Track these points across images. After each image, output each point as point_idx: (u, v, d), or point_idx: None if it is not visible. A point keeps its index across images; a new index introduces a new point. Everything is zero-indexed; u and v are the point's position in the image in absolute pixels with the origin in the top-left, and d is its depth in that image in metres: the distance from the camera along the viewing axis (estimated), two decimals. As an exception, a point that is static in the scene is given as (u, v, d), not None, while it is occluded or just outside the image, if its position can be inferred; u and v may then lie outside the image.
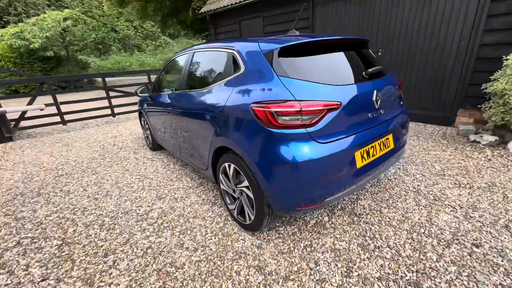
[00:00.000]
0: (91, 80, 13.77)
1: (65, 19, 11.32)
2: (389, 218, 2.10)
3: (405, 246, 1.79)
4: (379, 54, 4.64)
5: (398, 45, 4.40)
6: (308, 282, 1.57)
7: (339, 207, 2.31)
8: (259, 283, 1.59)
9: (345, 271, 1.63)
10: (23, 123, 5.77)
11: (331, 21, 5.17)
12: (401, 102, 2.28)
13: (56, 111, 5.62)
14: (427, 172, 2.81)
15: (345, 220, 2.12)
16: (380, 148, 1.97)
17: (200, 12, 7.74)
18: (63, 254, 1.96)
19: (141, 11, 10.48)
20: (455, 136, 3.75)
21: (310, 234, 1.99)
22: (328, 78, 1.71)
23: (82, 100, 6.07)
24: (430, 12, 3.94)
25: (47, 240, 2.13)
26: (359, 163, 1.79)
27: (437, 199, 2.31)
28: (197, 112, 2.28)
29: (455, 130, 4.01)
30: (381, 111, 1.94)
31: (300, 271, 1.65)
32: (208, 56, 2.36)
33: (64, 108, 6.32)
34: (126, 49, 23.63)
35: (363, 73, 1.88)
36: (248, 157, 1.71)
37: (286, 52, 1.72)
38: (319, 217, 2.19)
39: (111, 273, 1.74)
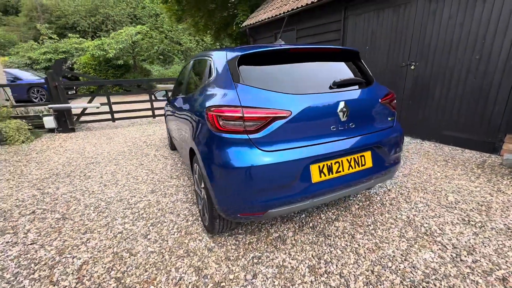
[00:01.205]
0: (152, 85, 15.67)
1: (136, 33, 13.28)
2: (358, 245, 1.88)
3: (358, 278, 1.59)
4: (412, 67, 4.20)
5: (434, 57, 3.91)
6: (236, 292, 1.53)
7: (310, 224, 2.16)
8: (190, 283, 1.61)
9: (277, 290, 1.54)
10: (83, 118, 6.92)
11: (362, 33, 4.91)
12: (390, 118, 2.05)
13: (108, 110, 6.58)
14: (435, 202, 2.41)
15: (309, 239, 1.98)
16: (350, 166, 1.81)
17: (241, 26, 8.20)
18: (56, 226, 2.30)
19: (194, 27, 11.61)
20: (496, 167, 3.12)
21: (265, 247, 1.92)
22: (284, 87, 1.68)
23: (130, 101, 6.98)
24: (473, 20, 3.43)
25: (52, 213, 2.53)
26: (316, 178, 1.68)
27: (428, 233, 1.97)
28: (184, 116, 2.45)
29: (500, 159, 3.33)
30: (351, 124, 1.79)
31: (234, 281, 1.61)
32: (199, 64, 2.54)
33: (115, 108, 7.36)
34: (188, 60, 26.19)
35: (331, 83, 1.78)
36: (200, 157, 1.78)
37: (246, 60, 1.75)
38: (284, 231, 2.09)
39: (80, 248, 1.98)
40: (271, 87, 1.66)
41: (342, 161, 1.78)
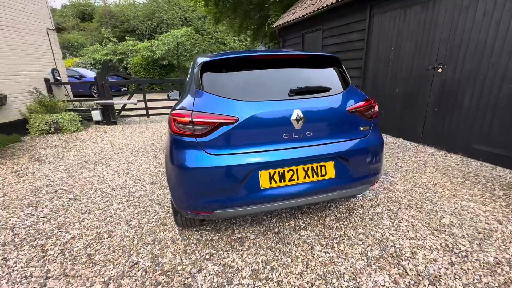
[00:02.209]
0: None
1: (181, 36, 14.33)
2: (312, 257, 1.83)
3: (294, 288, 1.57)
4: (439, 70, 3.75)
5: (465, 60, 3.44)
6: (176, 283, 1.65)
7: (276, 230, 2.17)
8: (142, 267, 1.79)
9: (208, 286, 1.61)
10: (124, 113, 7.80)
11: (387, 32, 4.54)
12: (363, 127, 1.93)
13: (143, 106, 7.31)
14: (423, 223, 2.18)
15: (267, 244, 1.99)
16: (307, 175, 1.78)
17: (272, 26, 8.24)
18: (66, 205, 2.73)
19: (230, 28, 12.01)
20: (525, 190, 2.64)
21: (223, 245, 2.00)
22: (239, 94, 1.73)
23: (163, 99, 7.63)
24: (512, 18, 2.93)
25: (69, 193, 3.00)
26: (265, 184, 1.71)
27: (395, 255, 1.81)
28: None
29: (535, 181, 2.80)
30: (307, 133, 1.76)
31: (180, 272, 1.74)
32: (190, 68, 2.71)
33: (151, 104, 8.11)
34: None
35: (289, 90, 1.77)
36: (164, 156, 1.95)
37: (209, 66, 1.85)
38: (248, 233, 2.14)
39: (74, 225, 2.33)
40: (226, 94, 1.73)
41: (297, 169, 1.76)
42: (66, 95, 7.33)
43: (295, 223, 2.25)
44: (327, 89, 1.88)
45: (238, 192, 1.68)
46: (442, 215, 2.28)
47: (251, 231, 2.16)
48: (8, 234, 2.22)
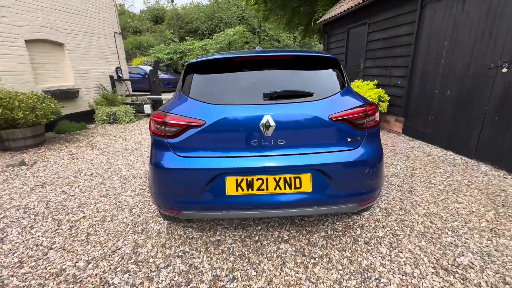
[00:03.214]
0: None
1: (233, 34, 14.87)
2: (278, 274, 1.70)
3: (244, 304, 1.49)
4: (504, 70, 3.00)
5: (540, 57, 2.66)
6: (141, 274, 1.75)
7: (256, 238, 2.09)
8: (122, 253, 1.95)
9: (167, 283, 1.65)
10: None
11: (441, 25, 3.82)
12: (350, 138, 1.69)
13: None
14: (428, 258, 1.80)
15: (241, 251, 1.94)
16: (278, 185, 1.67)
17: (317, 22, 7.82)
18: (93, 187, 3.15)
19: (278, 25, 11.85)
20: None
21: (200, 245, 2.02)
22: (211, 97, 1.72)
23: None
24: None
25: (100, 177, 3.45)
26: (231, 191, 1.66)
27: (373, 279, 1.55)
28: None
29: None
30: (279, 141, 1.63)
31: (150, 263, 1.84)
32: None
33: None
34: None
35: (263, 94, 1.66)
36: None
37: (191, 68, 1.87)
38: (227, 237, 2.11)
39: (90, 206, 2.68)
40: (200, 96, 1.73)
41: (267, 178, 1.65)
42: (126, 90, 8.41)
43: (279, 234, 2.12)
44: (308, 94, 1.69)
45: (203, 196, 1.68)
46: (462, 252, 1.84)
47: (231, 235, 2.13)
48: (43, 207, 2.69)
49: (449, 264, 1.74)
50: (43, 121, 4.71)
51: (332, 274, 1.69)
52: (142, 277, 1.72)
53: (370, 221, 2.27)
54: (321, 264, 1.78)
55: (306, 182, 1.66)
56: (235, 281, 1.67)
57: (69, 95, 6.30)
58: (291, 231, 2.16)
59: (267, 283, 1.64)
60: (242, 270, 1.75)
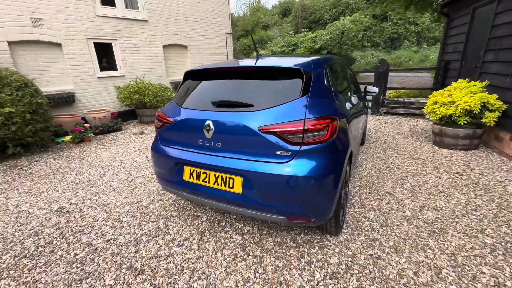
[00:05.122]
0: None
1: (350, 21, 13.80)
2: (206, 251, 2.00)
3: None
4: None
5: None
6: (138, 220, 2.51)
7: (223, 223, 2.41)
8: (131, 237, 2.75)
9: (147, 230, 2.32)
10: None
11: None
12: (280, 151, 1.69)
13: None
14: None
15: (200, 228, 2.35)
16: (216, 182, 1.96)
17: (437, 2, 6.13)
18: (128, 173, 4.33)
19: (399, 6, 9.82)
20: None
21: (183, 215, 2.59)
22: (185, 101, 2.15)
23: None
24: None
25: (124, 174, 4.62)
26: (186, 177, 2.10)
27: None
28: None
29: None
30: (217, 144, 1.88)
31: (148, 215, 2.58)
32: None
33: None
34: (421, 42, 22.31)
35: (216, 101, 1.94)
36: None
37: (184, 77, 2.35)
38: (203, 216, 2.56)
39: (110, 194, 3.67)
40: (179, 100, 2.20)
41: (209, 173, 1.96)
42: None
43: (242, 227, 2.35)
44: (248, 105, 1.80)
45: (171, 176, 2.19)
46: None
47: (209, 216, 2.55)
48: (129, 163, 4.05)
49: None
50: (161, 105, 6.60)
51: (246, 273, 1.82)
52: (138, 220, 2.49)
53: (340, 245, 2.06)
54: (248, 262, 1.92)
55: (238, 184, 1.84)
56: (180, 246, 2.12)
57: (186, 85, 8.28)
58: (254, 228, 2.33)
59: (199, 256, 2.00)
60: (192, 241, 2.18)
